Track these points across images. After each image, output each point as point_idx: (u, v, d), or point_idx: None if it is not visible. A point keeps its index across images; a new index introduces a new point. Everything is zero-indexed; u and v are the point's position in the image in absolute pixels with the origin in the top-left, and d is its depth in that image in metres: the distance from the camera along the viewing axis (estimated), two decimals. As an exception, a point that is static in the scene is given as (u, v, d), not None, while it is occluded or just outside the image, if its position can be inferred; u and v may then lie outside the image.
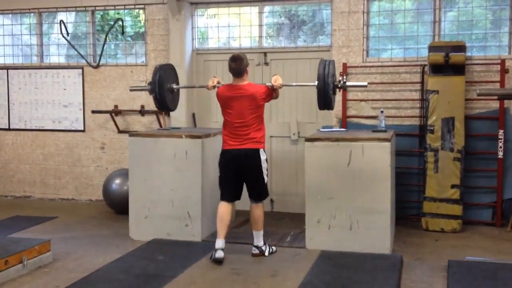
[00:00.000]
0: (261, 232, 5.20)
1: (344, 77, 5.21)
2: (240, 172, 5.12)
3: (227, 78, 5.49)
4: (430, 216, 6.12)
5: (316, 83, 4.96)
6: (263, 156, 5.10)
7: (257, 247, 5.16)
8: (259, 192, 5.18)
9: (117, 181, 6.94)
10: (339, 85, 5.07)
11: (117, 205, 6.93)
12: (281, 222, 6.54)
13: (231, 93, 5.10)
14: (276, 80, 5.15)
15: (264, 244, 5.21)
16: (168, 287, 4.39)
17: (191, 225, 5.72)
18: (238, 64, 5.06)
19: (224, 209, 5.11)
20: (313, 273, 4.64)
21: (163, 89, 5.45)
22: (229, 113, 5.13)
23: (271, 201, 7.14)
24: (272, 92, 5.18)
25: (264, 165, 5.11)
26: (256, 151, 5.08)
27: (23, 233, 6.09)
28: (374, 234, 5.23)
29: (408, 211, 6.57)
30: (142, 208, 5.86)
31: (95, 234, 6.13)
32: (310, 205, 5.41)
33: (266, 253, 5.17)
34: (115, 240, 5.86)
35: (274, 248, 5.31)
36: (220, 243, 4.99)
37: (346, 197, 5.29)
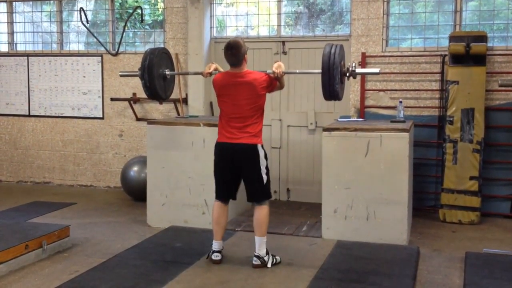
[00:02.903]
0: (265, 240, 4.58)
1: (354, 63, 4.66)
2: (234, 169, 4.61)
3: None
4: (448, 208, 6.08)
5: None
6: (261, 152, 4.56)
7: (258, 257, 4.52)
8: (256, 192, 4.61)
9: (135, 168, 7.00)
10: (348, 73, 4.56)
11: (135, 192, 6.99)
12: (297, 212, 6.55)
13: (227, 81, 4.58)
14: (278, 68, 4.59)
15: (267, 254, 4.58)
16: (185, 273, 4.43)
17: (208, 213, 5.74)
18: (235, 53, 4.47)
19: (219, 211, 4.71)
20: (329, 263, 4.65)
21: (153, 75, 4.97)
22: (224, 103, 4.63)
23: (287, 190, 7.15)
24: (275, 82, 4.64)
25: (262, 162, 4.56)
26: (253, 147, 4.54)
27: (42, 218, 6.18)
28: (391, 225, 5.22)
29: (425, 202, 6.54)
30: (159, 196, 5.90)
31: (113, 220, 6.19)
32: (326, 195, 5.41)
33: (269, 265, 4.53)
34: (133, 226, 5.92)
35: (278, 258, 4.66)
36: (216, 245, 4.70)
37: (363, 187, 5.28)
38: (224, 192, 4.75)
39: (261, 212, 4.58)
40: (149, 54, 5.03)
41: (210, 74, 4.87)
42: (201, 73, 4.99)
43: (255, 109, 4.56)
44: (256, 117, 4.58)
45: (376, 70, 4.98)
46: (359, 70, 4.44)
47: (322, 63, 4.38)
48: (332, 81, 4.37)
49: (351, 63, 4.61)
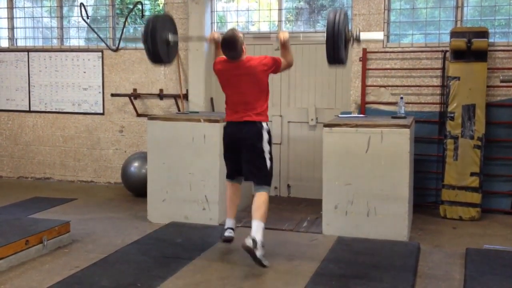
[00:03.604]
0: (262, 225, 4.39)
1: (358, 29, 4.52)
2: (238, 147, 4.65)
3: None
4: (448, 204, 6.08)
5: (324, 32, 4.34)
6: (265, 135, 4.58)
7: (253, 240, 4.24)
8: (256, 172, 4.58)
9: (136, 164, 6.99)
10: (352, 38, 4.42)
11: (136, 188, 6.99)
12: (298, 208, 6.55)
13: (229, 73, 4.63)
14: (282, 34, 4.61)
15: (263, 246, 4.34)
16: (185, 269, 4.43)
17: (208, 209, 5.75)
18: (232, 47, 4.50)
19: (232, 189, 4.86)
20: (329, 259, 4.65)
21: (156, 40, 4.82)
22: (227, 90, 4.72)
23: (288, 186, 7.15)
24: (279, 62, 4.61)
25: (265, 145, 4.57)
26: (258, 124, 4.57)
27: (43, 214, 6.18)
28: (392, 221, 5.21)
29: (426, 198, 6.53)
30: (160, 191, 5.90)
31: (113, 216, 6.20)
32: (327, 191, 5.41)
33: (258, 253, 4.22)
34: (133, 222, 5.92)
35: (267, 262, 4.39)
36: (230, 222, 4.85)
37: (364, 184, 5.27)
38: (232, 168, 4.82)
39: (260, 197, 4.54)
40: (152, 20, 4.90)
41: (215, 41, 4.86)
42: (205, 39, 4.93)
43: (259, 93, 4.63)
44: (261, 98, 4.64)
45: (380, 34, 4.88)
46: (363, 35, 4.45)
47: (326, 30, 4.30)
48: (337, 47, 4.28)
49: (355, 28, 4.54)
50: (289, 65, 4.78)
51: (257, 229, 4.36)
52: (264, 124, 4.63)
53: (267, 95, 4.72)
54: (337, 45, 4.25)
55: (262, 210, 4.46)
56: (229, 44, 4.50)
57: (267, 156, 4.61)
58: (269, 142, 4.64)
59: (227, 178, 4.92)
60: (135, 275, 4.26)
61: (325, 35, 4.27)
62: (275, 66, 4.64)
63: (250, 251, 4.20)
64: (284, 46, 4.67)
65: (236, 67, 4.59)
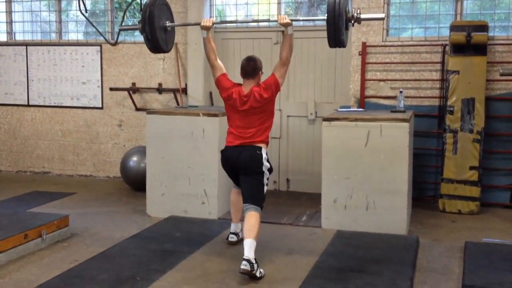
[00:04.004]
0: (255, 244, 4.19)
1: (358, 9, 4.44)
2: (237, 171, 4.59)
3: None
4: (447, 198, 6.08)
5: (325, 16, 4.25)
6: (265, 161, 4.49)
7: (248, 261, 4.04)
8: (252, 191, 4.47)
9: (135, 158, 6.99)
10: (352, 20, 4.35)
11: (135, 182, 6.99)
12: (297, 202, 6.55)
13: (235, 101, 4.52)
14: (283, 19, 4.48)
15: (256, 262, 4.12)
16: (184, 263, 4.43)
17: (207, 203, 5.75)
18: (252, 64, 4.54)
19: (235, 195, 4.87)
20: (328, 252, 4.65)
21: (155, 27, 4.72)
22: (231, 113, 4.62)
23: (287, 180, 7.15)
24: (277, 84, 4.50)
25: (265, 171, 4.49)
26: (258, 149, 4.50)
27: (42, 208, 6.18)
28: (391, 214, 5.22)
29: (425, 192, 6.53)
30: (159, 185, 5.90)
31: (112, 210, 6.19)
32: (326, 185, 5.41)
33: (257, 273, 4.08)
34: (132, 216, 5.92)
35: (263, 271, 4.20)
36: (233, 227, 4.96)
37: (363, 177, 5.27)
38: (235, 181, 4.80)
39: (253, 217, 4.33)
40: (149, 6, 4.74)
41: (209, 27, 4.66)
42: (201, 26, 4.70)
43: (264, 116, 4.56)
44: (266, 125, 4.58)
45: (381, 15, 4.80)
46: (363, 16, 4.39)
47: (327, 11, 4.23)
48: (338, 29, 4.23)
49: (356, 9, 4.47)
50: (290, 50, 4.55)
51: (250, 248, 4.14)
52: (263, 148, 4.53)
53: (272, 116, 4.66)
54: (338, 27, 4.21)
55: (256, 230, 4.27)
56: (250, 60, 4.56)
57: (265, 179, 4.52)
58: (269, 170, 4.55)
59: (234, 186, 4.89)
60: (134, 268, 4.26)
61: (326, 16, 4.24)
62: (280, 73, 4.53)
63: (249, 274, 4.05)
64: (285, 27, 4.51)
65: (245, 97, 4.49)
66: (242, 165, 4.51)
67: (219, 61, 4.72)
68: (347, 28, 4.36)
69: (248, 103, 4.49)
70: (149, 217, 5.85)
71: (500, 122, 6.29)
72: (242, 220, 4.55)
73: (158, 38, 4.78)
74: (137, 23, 4.80)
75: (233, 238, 4.91)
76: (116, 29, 7.70)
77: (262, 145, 4.55)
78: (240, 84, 4.62)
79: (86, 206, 6.35)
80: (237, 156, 4.52)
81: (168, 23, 4.92)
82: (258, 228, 4.30)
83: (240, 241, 4.81)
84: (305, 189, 6.98)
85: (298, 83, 7.03)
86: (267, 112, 4.58)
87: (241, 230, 4.71)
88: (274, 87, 4.50)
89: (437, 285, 4.06)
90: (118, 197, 6.82)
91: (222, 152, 4.70)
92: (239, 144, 4.53)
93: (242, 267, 4.02)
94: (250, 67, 4.55)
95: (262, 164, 4.48)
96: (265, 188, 4.53)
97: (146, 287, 3.93)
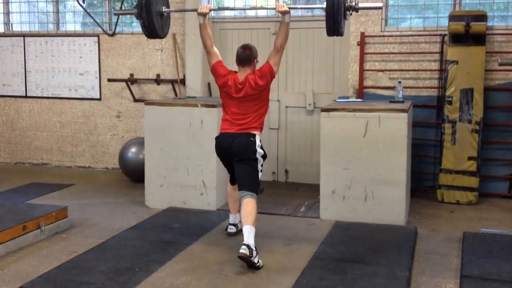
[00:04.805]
0: (253, 230, 4.23)
1: None
2: (231, 159, 4.60)
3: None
4: (446, 188, 6.08)
5: (324, 4, 4.28)
6: (258, 148, 4.52)
7: (248, 246, 4.09)
8: (250, 180, 4.48)
9: (133, 149, 6.98)
10: (351, 8, 4.35)
11: (133, 173, 6.98)
12: (295, 192, 6.55)
13: (230, 87, 4.55)
14: (281, 7, 4.46)
15: (255, 249, 4.15)
16: (183, 254, 4.44)
17: (206, 194, 5.75)
18: (248, 52, 4.58)
19: (231, 186, 4.88)
20: (327, 243, 4.66)
21: (151, 13, 4.66)
22: (226, 101, 4.65)
23: (286, 171, 7.15)
24: (272, 71, 4.52)
25: (259, 158, 4.52)
26: (252, 136, 4.53)
27: (40, 200, 6.18)
28: (389, 205, 5.22)
29: (423, 182, 6.54)
30: (157, 177, 5.89)
31: (111, 201, 6.19)
32: (325, 176, 5.41)
33: (256, 260, 4.11)
34: (131, 207, 5.93)
35: (261, 261, 4.22)
36: (231, 218, 4.96)
37: (362, 168, 5.27)
38: (231, 173, 4.77)
39: (249, 204, 4.36)
40: None
41: (206, 14, 4.64)
42: (198, 12, 4.66)
43: (259, 103, 4.59)
44: (261, 112, 4.61)
45: (379, 4, 4.82)
46: (362, 4, 4.41)
47: (326, 0, 4.26)
48: (336, 18, 4.26)
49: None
50: (286, 36, 4.52)
51: (249, 234, 4.19)
52: (257, 135, 4.55)
53: (267, 102, 4.68)
54: (336, 15, 4.24)
55: (253, 215, 4.31)
56: (246, 48, 4.59)
57: (259, 165, 4.54)
58: (263, 157, 4.58)
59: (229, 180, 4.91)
60: (132, 260, 4.27)
61: (325, 4, 4.25)
62: (274, 60, 4.54)
63: (247, 260, 4.07)
64: (283, 15, 4.49)
65: (240, 84, 4.52)
66: (235, 152, 4.52)
67: (215, 48, 4.74)
68: (345, 17, 4.38)
69: (244, 90, 4.52)
70: (148, 208, 5.85)
71: (499, 112, 6.28)
72: (240, 210, 4.56)
73: (155, 24, 4.74)
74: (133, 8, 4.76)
75: (232, 229, 4.91)
76: (114, 19, 7.66)
77: (256, 132, 4.57)
78: (235, 72, 4.64)
79: (85, 198, 6.35)
80: (230, 143, 4.53)
81: (164, 9, 4.87)
82: (255, 214, 4.34)
83: (239, 231, 4.82)
84: (304, 179, 6.97)
85: (297, 74, 7.01)
86: (262, 99, 4.60)
87: (240, 220, 4.72)
88: (269, 75, 4.53)
89: (435, 275, 4.07)
90: (117, 189, 6.82)
91: (216, 138, 4.71)
92: (234, 131, 4.55)
93: (241, 251, 4.07)
94: (246, 55, 4.59)
95: (255, 151, 4.50)
96: (260, 174, 4.55)
97: (145, 278, 3.94)
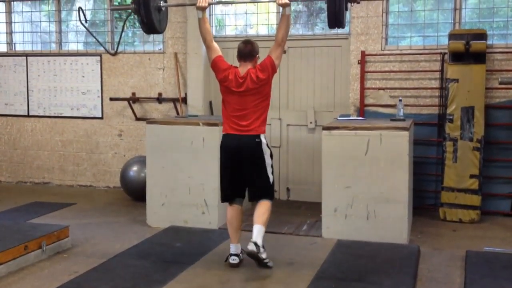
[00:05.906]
0: (263, 230, 4.33)
1: None
2: (240, 162, 4.53)
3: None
4: (448, 206, 6.07)
5: None
6: (266, 149, 4.51)
7: (255, 243, 4.19)
8: (259, 189, 4.53)
9: (135, 168, 6.98)
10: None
11: (135, 192, 6.98)
12: (297, 211, 6.53)
13: (230, 82, 4.50)
14: (281, 0, 4.42)
15: (263, 248, 4.29)
16: (185, 273, 4.42)
17: (208, 213, 5.74)
18: (249, 46, 4.56)
19: (232, 213, 4.62)
20: (329, 262, 4.64)
21: (149, 8, 4.59)
22: (227, 97, 4.58)
23: (287, 189, 7.14)
24: (274, 64, 4.48)
25: (268, 159, 4.50)
26: (258, 137, 4.49)
27: (42, 219, 6.16)
28: (391, 223, 5.21)
29: (425, 201, 6.52)
30: (159, 195, 5.89)
31: (113, 220, 6.18)
32: (326, 194, 5.40)
33: (264, 256, 4.25)
34: (132, 226, 5.91)
35: (271, 263, 4.44)
36: (233, 248, 4.61)
37: (363, 186, 5.27)
38: (232, 192, 4.63)
39: (264, 205, 4.44)
40: None
41: (204, 8, 4.59)
42: (197, 6, 4.62)
43: (260, 98, 4.52)
44: (262, 106, 4.54)
45: None
46: None
47: None
48: (338, 9, 4.25)
49: None
50: (287, 29, 4.53)
51: (258, 233, 4.26)
52: (262, 136, 4.53)
53: (268, 100, 4.62)
54: (338, 6, 4.24)
55: (265, 216, 4.39)
56: (248, 43, 4.59)
57: (269, 169, 4.53)
58: (271, 156, 4.57)
59: (224, 201, 4.72)
60: (134, 280, 4.25)
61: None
62: (276, 54, 4.52)
63: (254, 255, 4.12)
64: (283, 7, 4.46)
65: (240, 79, 4.48)
66: (243, 155, 4.47)
67: (214, 43, 4.67)
68: (346, 8, 4.39)
69: (245, 84, 4.48)
70: (149, 227, 5.84)
71: (500, 130, 6.29)
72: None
73: (153, 19, 4.70)
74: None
75: (235, 260, 4.57)
76: (116, 39, 7.71)
77: (260, 133, 4.51)
78: (236, 67, 4.61)
79: (86, 217, 6.34)
80: (237, 144, 4.49)
81: (162, 3, 4.84)
82: (268, 216, 4.41)
83: (242, 261, 4.62)
84: (306, 198, 6.96)
85: (298, 92, 7.04)
86: (263, 94, 4.53)
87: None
88: (270, 68, 4.48)
89: (438, 295, 4.05)
90: (118, 208, 6.81)
91: (222, 141, 4.64)
92: (238, 133, 4.50)
93: (248, 247, 4.12)
94: (247, 50, 4.56)
95: (262, 155, 4.46)
96: (271, 178, 4.54)
97: (147, 299, 3.92)
